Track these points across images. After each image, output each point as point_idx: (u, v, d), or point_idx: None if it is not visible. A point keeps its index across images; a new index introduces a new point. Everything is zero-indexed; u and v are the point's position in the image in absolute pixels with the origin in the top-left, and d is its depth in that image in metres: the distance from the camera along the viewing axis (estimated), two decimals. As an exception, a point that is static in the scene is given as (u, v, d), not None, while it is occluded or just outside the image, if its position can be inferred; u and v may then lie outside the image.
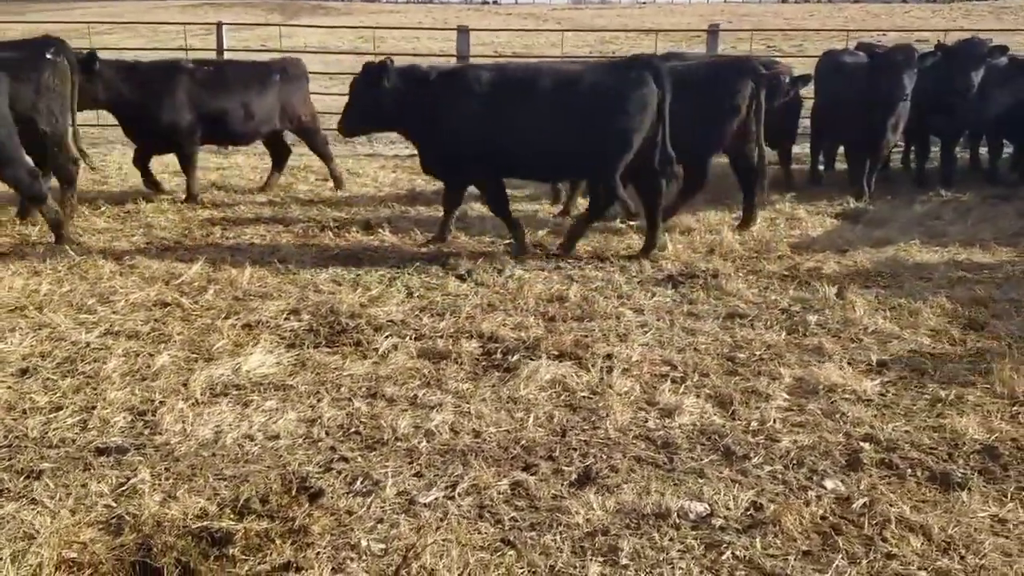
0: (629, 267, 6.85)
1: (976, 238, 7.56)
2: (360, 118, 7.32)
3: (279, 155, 9.82)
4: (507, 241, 7.43)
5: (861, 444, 4.00)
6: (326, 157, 9.80)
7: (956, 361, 4.96)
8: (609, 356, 5.01)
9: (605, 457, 3.87)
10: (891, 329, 5.46)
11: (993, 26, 35.60)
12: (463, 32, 13.35)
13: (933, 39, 13.16)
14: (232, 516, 3.37)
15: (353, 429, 4.12)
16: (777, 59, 11.20)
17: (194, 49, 15.43)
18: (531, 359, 4.97)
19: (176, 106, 8.63)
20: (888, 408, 4.39)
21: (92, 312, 5.66)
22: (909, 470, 3.79)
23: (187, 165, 8.99)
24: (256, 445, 3.94)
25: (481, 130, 6.88)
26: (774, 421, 4.20)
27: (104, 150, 12.47)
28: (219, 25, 13.57)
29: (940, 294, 6.07)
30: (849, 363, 4.90)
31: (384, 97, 7.03)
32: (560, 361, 4.96)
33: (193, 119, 8.74)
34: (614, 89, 6.82)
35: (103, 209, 8.49)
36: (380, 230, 7.89)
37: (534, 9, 71.49)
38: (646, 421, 4.22)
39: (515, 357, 5.01)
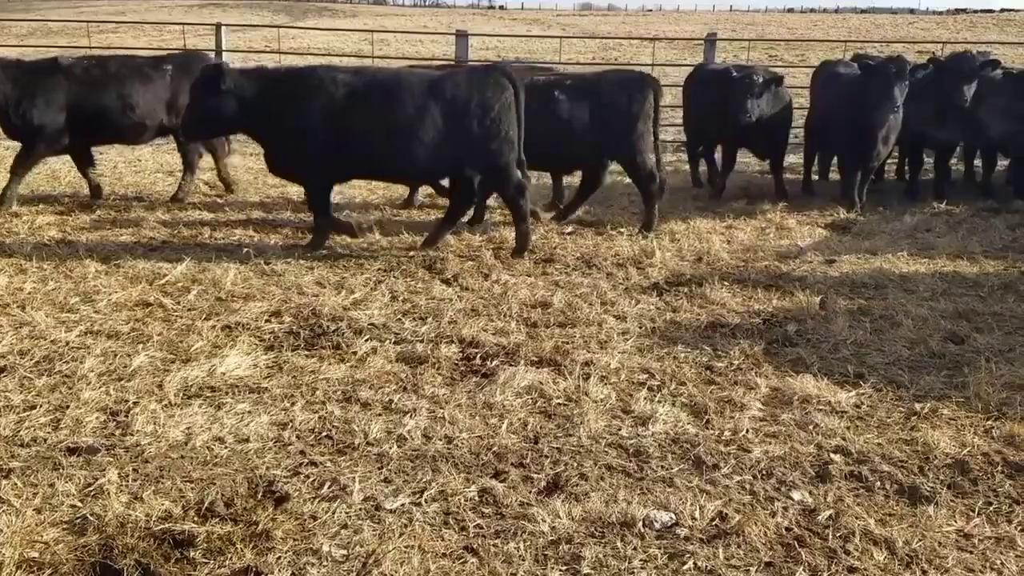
0: (616, 274, 6.85)
1: (965, 251, 7.55)
2: (199, 121, 7.23)
3: (187, 159, 9.19)
4: (495, 246, 7.45)
5: (831, 456, 3.99)
6: (216, 157, 9.48)
7: (934, 374, 4.95)
8: (588, 363, 5.01)
9: (576, 465, 3.87)
10: (870, 340, 5.45)
11: (997, 38, 35.67)
12: (462, 37, 13.38)
13: (937, 50, 13.19)
14: (196, 519, 3.36)
15: (325, 433, 4.12)
16: (775, 68, 11.20)
17: (196, 49, 15.50)
18: (509, 365, 4.97)
19: (48, 104, 8.22)
20: (862, 420, 4.38)
21: (74, 311, 5.67)
22: (878, 483, 3.78)
23: (26, 161, 8.46)
24: (225, 448, 3.94)
25: (328, 131, 6.89)
26: (747, 431, 4.19)
27: (101, 149, 12.50)
28: (218, 26, 13.59)
29: (923, 306, 6.06)
30: (826, 374, 4.89)
31: (223, 99, 6.94)
32: (539, 368, 4.96)
33: (64, 117, 8.28)
34: (470, 93, 7.01)
35: (94, 208, 8.52)
36: (370, 233, 7.90)
37: (539, 15, 71.69)
38: (619, 429, 4.21)
39: (494, 363, 5.01)
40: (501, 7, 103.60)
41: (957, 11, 70.08)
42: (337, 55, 21.83)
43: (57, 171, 9.91)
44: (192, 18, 38.63)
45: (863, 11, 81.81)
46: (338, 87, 6.95)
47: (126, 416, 4.21)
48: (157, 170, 10.81)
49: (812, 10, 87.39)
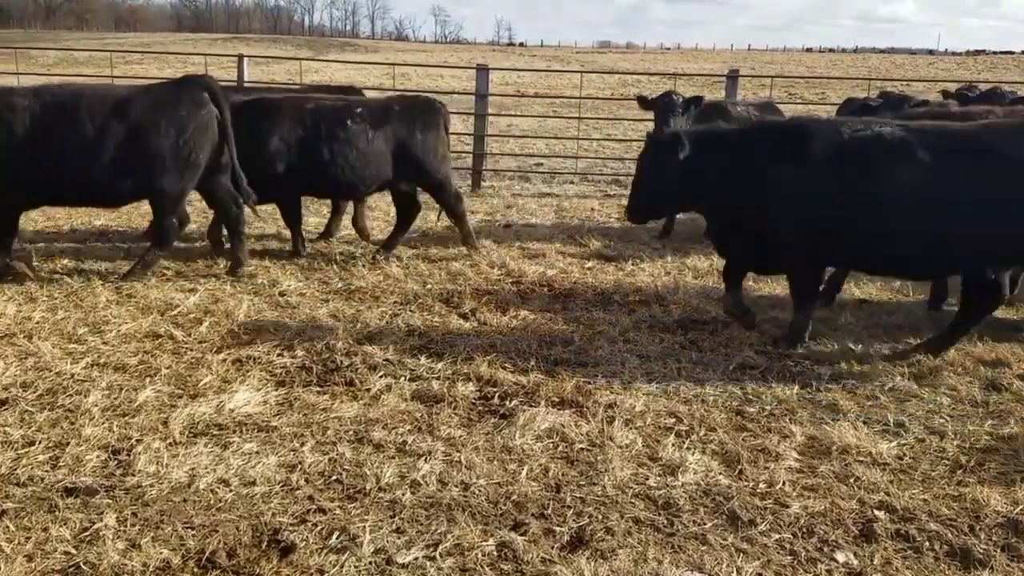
0: (638, 311, 6.63)
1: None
2: None
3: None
4: (514, 279, 7.26)
5: (876, 512, 3.73)
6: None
7: (977, 424, 4.68)
8: (611, 405, 4.78)
9: (601, 517, 3.62)
10: (909, 387, 5.19)
11: (1017, 78, 35.47)
12: (482, 71, 13.32)
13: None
14: (195, 569, 3.15)
15: (335, 477, 3.90)
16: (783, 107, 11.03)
17: (217, 80, 15.59)
18: (529, 405, 4.75)
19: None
20: (905, 473, 4.12)
21: (82, 342, 5.51)
22: (926, 543, 3.51)
23: None
24: (231, 491, 3.73)
25: (17, 155, 6.38)
26: (783, 484, 3.93)
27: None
28: (240, 58, 13.61)
29: (960, 350, 5.80)
30: (864, 422, 4.63)
31: None
32: (560, 409, 4.74)
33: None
34: (163, 109, 6.69)
35: (109, 236, 8.42)
36: (386, 265, 7.75)
37: (558, 51, 72.37)
38: (647, 479, 3.97)
39: (512, 403, 4.80)
40: (521, 44, 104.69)
41: (976, 52, 70.03)
42: (358, 88, 21.89)
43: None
44: (216, 51, 39.13)
45: (882, 51, 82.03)
46: (15, 111, 6.39)
47: (128, 455, 4.02)
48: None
49: (831, 50, 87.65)
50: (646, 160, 5.96)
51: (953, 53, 74.33)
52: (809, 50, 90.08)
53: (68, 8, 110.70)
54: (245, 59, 13.57)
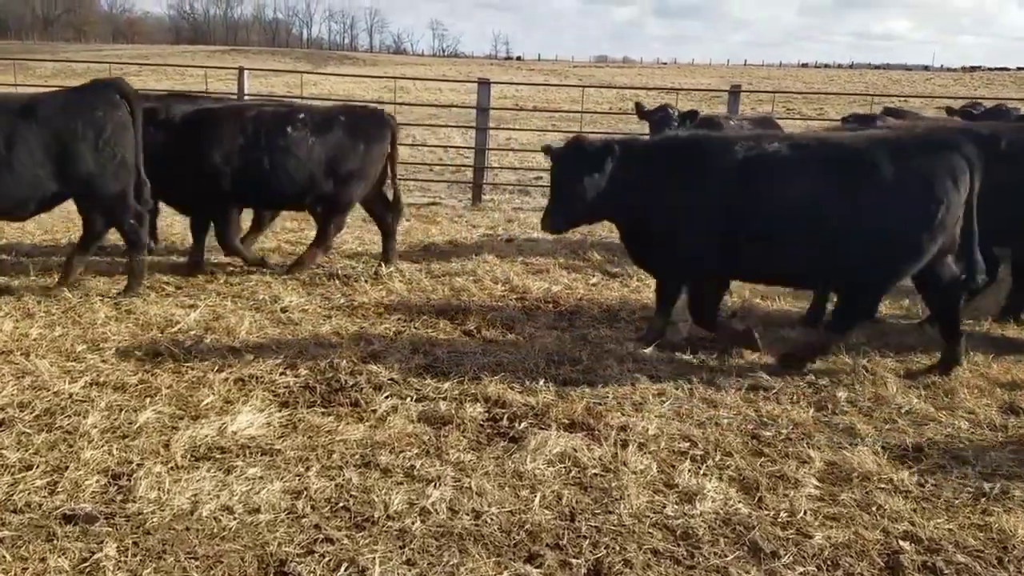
0: (645, 328, 6.52)
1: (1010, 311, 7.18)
2: None
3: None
4: (518, 295, 7.15)
5: (901, 543, 3.61)
6: None
7: (998, 449, 4.57)
8: (624, 428, 4.66)
9: (618, 549, 3.50)
10: (926, 410, 5.08)
11: (1015, 94, 35.59)
12: (484, 84, 13.26)
13: (956, 105, 12.97)
14: (199, 603, 3.02)
15: (341, 504, 3.77)
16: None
17: (216, 93, 15.47)
18: (540, 428, 4.63)
19: None
20: (928, 501, 4.01)
21: (80, 360, 5.39)
22: (955, 576, 3.40)
23: None
24: (235, 519, 3.60)
25: None
26: (805, 512, 3.82)
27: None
28: (241, 70, 13.54)
29: (976, 372, 5.71)
30: (883, 447, 4.52)
31: None
32: (571, 432, 4.62)
33: None
34: (73, 114, 6.47)
35: (108, 250, 8.28)
36: (389, 281, 7.64)
37: (556, 66, 72.62)
38: (664, 507, 3.85)
39: (523, 425, 4.68)
40: (518, 58, 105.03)
41: (972, 69, 70.40)
42: (358, 102, 21.85)
43: (72, 213, 9.69)
44: (214, 63, 39.08)
45: (877, 67, 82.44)
46: None
47: (129, 479, 3.89)
48: (174, 213, 10.60)
49: (827, 66, 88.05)
50: (571, 168, 5.91)
51: (949, 69, 74.66)
52: (805, 66, 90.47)
53: (66, 20, 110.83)
54: (245, 72, 13.50)
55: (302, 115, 7.68)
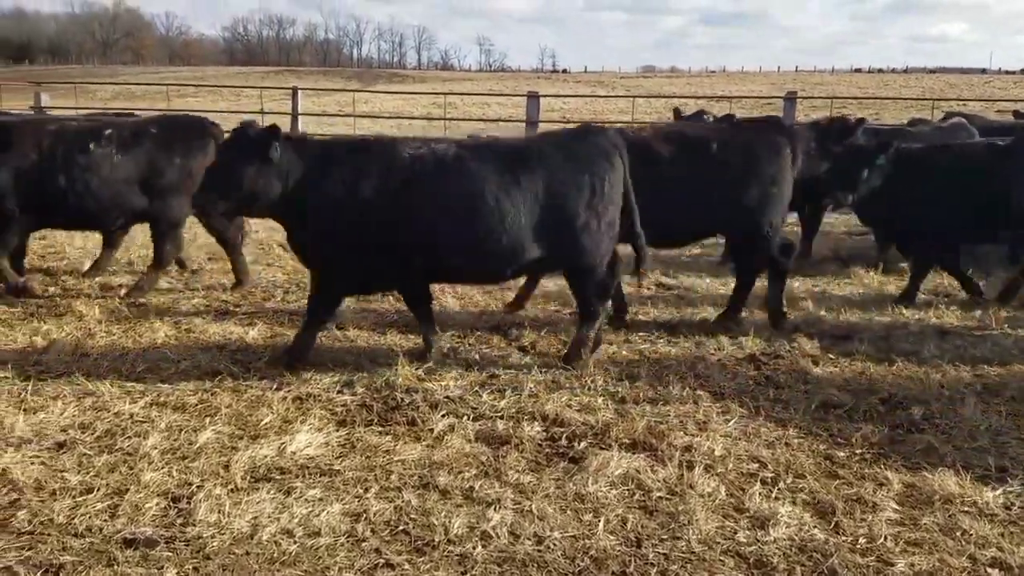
0: (706, 343, 6.36)
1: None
2: None
3: None
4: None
5: (989, 571, 3.40)
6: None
7: (1088, 469, 4.30)
8: (688, 448, 4.51)
9: (688, 576, 3.36)
10: (1007, 427, 4.83)
11: (1082, 95, 34.35)
12: (533, 98, 13.24)
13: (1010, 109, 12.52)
14: (260, 632, 2.96)
15: (401, 527, 3.69)
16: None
17: (272, 113, 15.77)
18: (600, 448, 4.51)
19: None
20: (1015, 525, 3.77)
21: (140, 380, 5.43)
22: (1053, 609, 3.18)
23: None
24: (295, 543, 3.54)
25: None
26: (885, 538, 3.62)
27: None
28: (295, 90, 13.74)
29: (1059, 386, 5.42)
30: (965, 467, 4.29)
31: None
32: (633, 452, 4.48)
33: None
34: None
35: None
36: (442, 296, 7.59)
37: (602, 77, 72.44)
38: (735, 532, 3.69)
39: (582, 445, 4.56)
40: (564, 71, 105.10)
41: (1033, 69, 68.27)
42: (407, 118, 22.02)
43: (132, 232, 9.88)
44: (269, 83, 39.89)
45: (932, 71, 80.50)
46: None
47: (188, 502, 3.86)
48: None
49: (880, 70, 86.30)
50: (233, 153, 5.53)
51: (1007, 72, 72.49)
52: (858, 71, 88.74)
53: (124, 44, 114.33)
54: (299, 91, 13.69)
55: (108, 131, 7.21)
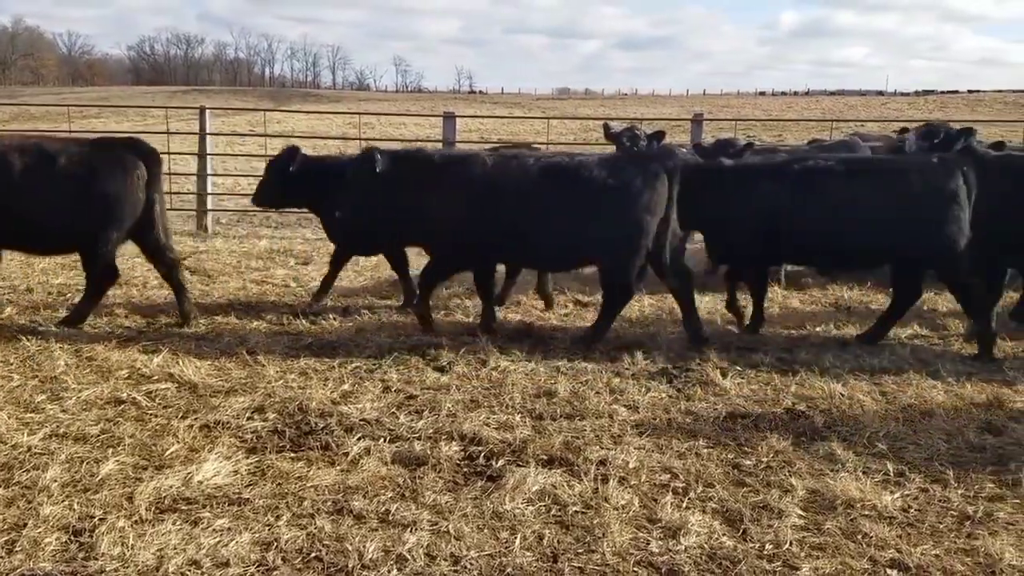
0: (621, 359, 6.46)
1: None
2: None
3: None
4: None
5: (888, 572, 3.55)
6: None
7: (978, 470, 4.55)
8: (603, 462, 4.57)
9: (602, 589, 3.40)
10: (904, 432, 5.06)
11: (968, 117, 36.51)
12: (449, 118, 13.27)
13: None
14: (165, 668, 2.86)
15: (314, 554, 3.62)
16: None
17: (179, 132, 15.32)
18: (517, 465, 4.53)
19: None
20: (913, 527, 3.95)
21: (39, 410, 5.19)
22: (947, 605, 3.34)
23: None
24: (202, 574, 3.44)
25: None
26: (790, 543, 3.74)
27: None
28: (202, 109, 13.41)
29: (951, 393, 5.72)
30: (865, 472, 4.48)
31: None
32: (550, 468, 4.51)
33: None
34: None
35: (68, 296, 8.08)
36: (358, 318, 7.52)
37: (519, 98, 73.17)
38: (648, 543, 3.75)
39: (500, 463, 4.57)
40: (481, 92, 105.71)
41: (925, 92, 72.16)
42: (322, 138, 21.77)
43: (32, 259, 9.46)
44: (176, 103, 38.82)
45: (832, 94, 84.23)
46: None
47: (90, 536, 3.70)
48: (137, 254, 10.38)
49: (783, 93, 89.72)
50: None
51: (902, 94, 76.43)
52: (763, 94, 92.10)
53: (23, 64, 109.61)
54: (207, 111, 13.37)
55: (31, 152, 6.73)
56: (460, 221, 6.89)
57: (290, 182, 8.02)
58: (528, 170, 6.86)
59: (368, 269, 9.67)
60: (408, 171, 7.09)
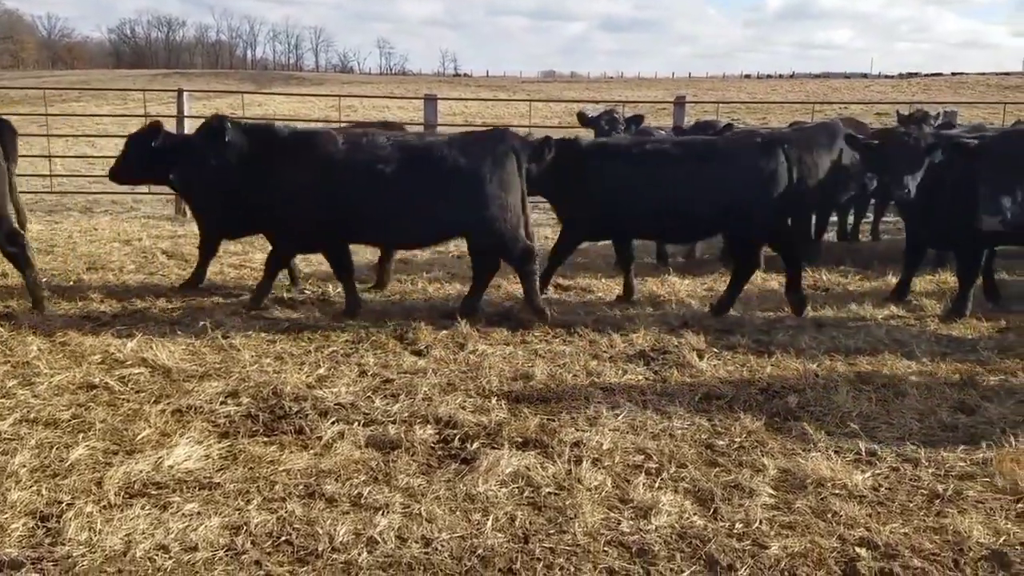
0: (599, 341, 6.46)
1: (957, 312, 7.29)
2: None
3: None
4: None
5: (857, 550, 3.57)
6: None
7: (950, 450, 4.58)
8: (577, 443, 4.57)
9: (573, 570, 3.40)
10: (877, 412, 5.09)
11: (951, 98, 36.66)
12: (431, 101, 13.19)
13: (893, 111, 13.28)
14: (130, 652, 2.84)
15: (284, 538, 3.60)
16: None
17: (158, 116, 15.15)
18: (492, 448, 4.52)
19: None
20: (883, 506, 3.98)
21: (10, 396, 5.13)
22: (913, 581, 3.37)
23: None
24: (170, 558, 3.41)
25: None
26: (760, 522, 3.76)
27: (57, 218, 12.01)
28: (180, 92, 13.26)
29: (925, 373, 5.75)
30: (836, 452, 4.50)
31: None
32: (524, 450, 4.51)
33: None
34: None
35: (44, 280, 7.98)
36: (337, 300, 7.48)
37: (504, 81, 72.91)
38: (619, 523, 3.75)
39: (475, 445, 4.56)
40: (466, 75, 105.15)
41: (909, 75, 72.36)
42: (304, 120, 21.60)
43: None
44: (156, 86, 38.36)
45: (816, 76, 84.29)
46: None
47: (58, 521, 3.67)
48: (114, 239, 10.32)
49: (768, 76, 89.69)
50: None
51: (887, 76, 76.54)
52: (748, 77, 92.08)
53: (2, 47, 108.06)
54: (185, 93, 13.23)
55: None
56: (308, 199, 6.82)
57: (154, 158, 7.61)
58: (380, 149, 6.82)
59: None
60: (256, 145, 6.93)
